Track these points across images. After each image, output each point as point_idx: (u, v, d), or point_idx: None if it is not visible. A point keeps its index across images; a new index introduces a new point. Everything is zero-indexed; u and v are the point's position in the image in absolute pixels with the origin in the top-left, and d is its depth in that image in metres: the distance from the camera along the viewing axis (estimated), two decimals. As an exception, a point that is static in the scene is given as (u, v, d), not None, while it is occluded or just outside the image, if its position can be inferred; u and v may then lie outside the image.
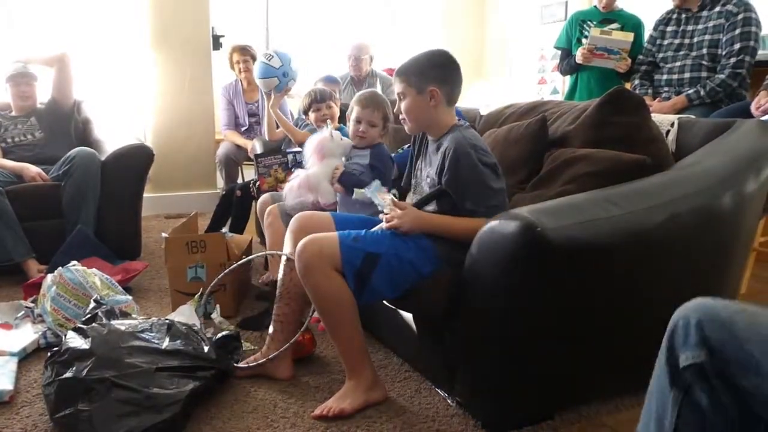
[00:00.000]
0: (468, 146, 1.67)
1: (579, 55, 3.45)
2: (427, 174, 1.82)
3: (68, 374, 1.59)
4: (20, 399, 1.75)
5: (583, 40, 3.47)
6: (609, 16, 3.54)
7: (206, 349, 1.77)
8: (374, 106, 2.22)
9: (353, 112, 2.25)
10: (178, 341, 1.75)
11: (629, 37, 3.32)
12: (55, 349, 1.71)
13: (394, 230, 1.69)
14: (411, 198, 1.91)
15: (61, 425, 1.56)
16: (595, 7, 3.66)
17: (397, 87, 1.80)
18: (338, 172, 2.22)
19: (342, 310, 1.67)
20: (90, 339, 1.68)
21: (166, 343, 1.73)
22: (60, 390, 1.58)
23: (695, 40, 3.02)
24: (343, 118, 2.83)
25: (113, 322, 1.81)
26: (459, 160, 1.66)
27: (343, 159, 2.32)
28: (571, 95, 3.69)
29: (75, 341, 1.69)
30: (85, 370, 1.58)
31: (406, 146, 2.68)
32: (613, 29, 3.42)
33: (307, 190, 2.25)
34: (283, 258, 1.91)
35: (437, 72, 1.76)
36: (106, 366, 1.59)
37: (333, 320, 1.70)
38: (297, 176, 2.31)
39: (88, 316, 1.88)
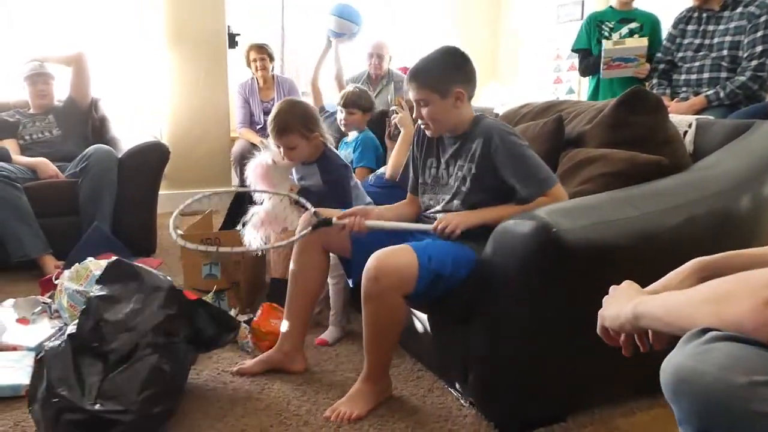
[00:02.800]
0: (502, 129, 1.70)
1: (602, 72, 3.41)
2: (457, 168, 1.78)
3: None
4: (37, 393, 1.77)
5: (603, 41, 3.44)
6: (626, 15, 3.50)
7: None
8: (281, 131, 2.07)
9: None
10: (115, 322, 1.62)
11: (643, 41, 3.27)
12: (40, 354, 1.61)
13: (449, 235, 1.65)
14: (429, 198, 1.87)
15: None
16: (611, 7, 3.62)
17: (415, 94, 1.74)
18: (293, 193, 2.10)
19: (393, 334, 1.67)
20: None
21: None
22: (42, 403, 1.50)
23: (715, 40, 2.98)
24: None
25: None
26: (505, 143, 1.67)
27: (294, 179, 2.24)
28: (594, 97, 3.65)
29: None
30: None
31: (380, 171, 2.66)
32: (632, 28, 3.39)
33: (275, 223, 2.08)
34: (292, 263, 1.89)
35: (459, 73, 1.73)
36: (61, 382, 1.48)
37: (379, 339, 1.68)
38: (254, 214, 2.09)
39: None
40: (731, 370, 0.70)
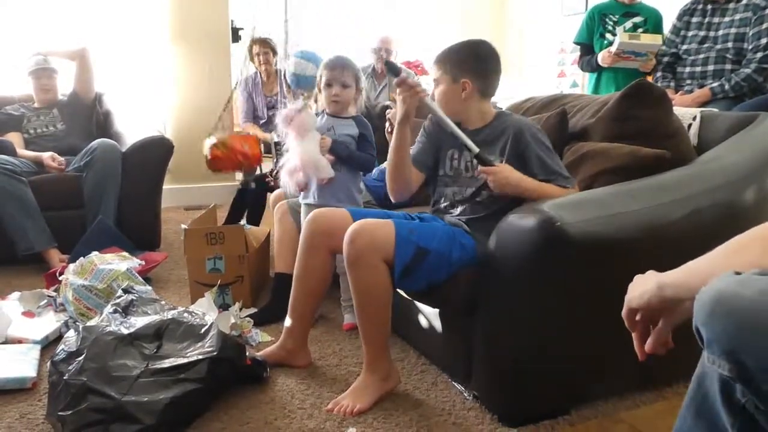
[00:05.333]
0: (533, 127, 1.78)
1: (602, 58, 3.39)
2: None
3: (54, 376, 1.57)
4: (43, 386, 1.77)
5: (608, 35, 3.41)
6: (630, 9, 3.48)
7: (200, 358, 1.64)
8: (343, 66, 2.17)
9: (323, 78, 2.19)
10: (171, 345, 1.68)
11: (658, 39, 3.25)
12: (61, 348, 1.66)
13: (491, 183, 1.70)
14: (452, 192, 1.87)
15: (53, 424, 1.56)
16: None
17: (433, 73, 1.83)
18: (327, 143, 2.14)
19: (380, 304, 1.66)
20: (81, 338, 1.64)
21: (155, 349, 1.65)
22: (52, 389, 1.57)
23: (720, 32, 2.97)
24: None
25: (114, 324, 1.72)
26: (536, 140, 1.74)
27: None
28: (595, 90, 3.63)
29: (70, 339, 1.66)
30: (68, 374, 1.54)
31: (383, 166, 2.62)
32: (636, 22, 3.37)
33: (307, 169, 2.12)
34: (296, 265, 1.88)
35: (474, 64, 1.79)
36: (88, 370, 1.54)
37: (368, 312, 1.68)
38: (288, 160, 2.14)
39: (123, 305, 1.85)
40: None
